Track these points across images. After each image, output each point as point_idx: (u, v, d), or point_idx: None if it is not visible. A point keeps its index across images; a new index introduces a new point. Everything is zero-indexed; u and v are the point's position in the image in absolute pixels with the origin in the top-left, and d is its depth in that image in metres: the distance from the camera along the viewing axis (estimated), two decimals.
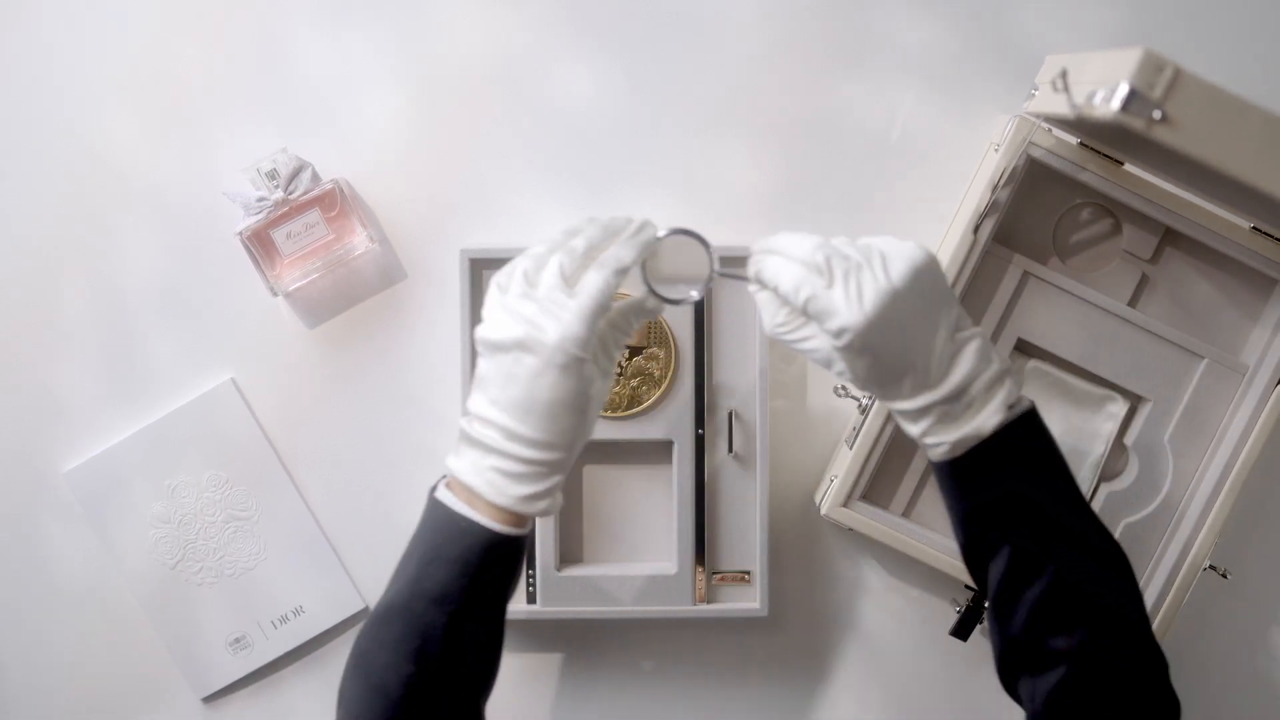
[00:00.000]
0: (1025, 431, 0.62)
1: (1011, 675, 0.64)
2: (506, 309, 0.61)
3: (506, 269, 0.63)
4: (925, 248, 0.61)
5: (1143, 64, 0.57)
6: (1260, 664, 0.86)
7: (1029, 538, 0.61)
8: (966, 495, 0.63)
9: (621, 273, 0.62)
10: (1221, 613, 0.86)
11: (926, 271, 0.61)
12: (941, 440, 0.62)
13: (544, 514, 0.63)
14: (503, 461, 0.61)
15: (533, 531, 0.65)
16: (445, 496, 0.63)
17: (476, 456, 0.62)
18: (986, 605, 0.67)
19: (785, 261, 0.62)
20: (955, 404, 0.61)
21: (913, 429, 0.63)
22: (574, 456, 0.63)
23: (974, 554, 0.64)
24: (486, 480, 0.62)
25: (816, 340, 0.62)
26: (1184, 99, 0.58)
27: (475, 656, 0.63)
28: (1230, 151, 0.59)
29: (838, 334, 0.60)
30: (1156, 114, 0.58)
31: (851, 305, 0.59)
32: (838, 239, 0.62)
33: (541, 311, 0.60)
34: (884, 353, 0.60)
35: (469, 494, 0.62)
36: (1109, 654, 0.60)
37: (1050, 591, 0.61)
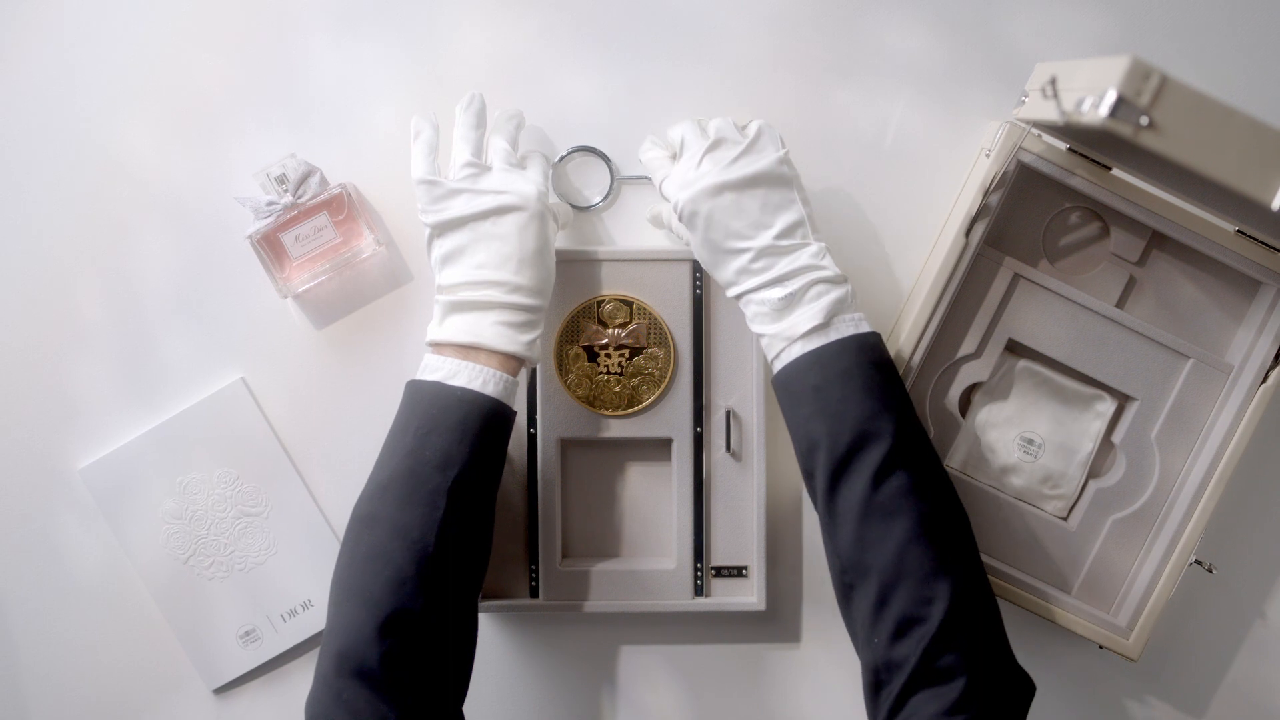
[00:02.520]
0: (858, 353, 0.66)
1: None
2: (464, 188, 0.70)
3: (425, 166, 0.72)
4: (777, 160, 0.70)
5: (1130, 72, 0.57)
6: (1244, 657, 0.86)
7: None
8: (787, 412, 0.68)
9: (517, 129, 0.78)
10: (1207, 606, 0.85)
11: (768, 177, 0.69)
12: (762, 332, 0.69)
13: (536, 359, 0.71)
14: (506, 314, 0.69)
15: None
16: (433, 374, 0.68)
17: (473, 318, 0.68)
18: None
19: (651, 143, 0.77)
20: (781, 301, 0.68)
21: (749, 323, 0.71)
22: (544, 308, 0.72)
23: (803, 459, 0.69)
24: (496, 332, 0.68)
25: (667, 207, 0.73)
26: (1170, 106, 0.58)
27: (474, 532, 0.66)
28: (1215, 156, 0.59)
29: (671, 202, 0.71)
30: (1143, 120, 0.58)
31: (680, 180, 0.70)
32: (718, 121, 0.72)
33: (510, 178, 0.71)
34: (710, 231, 0.69)
35: (466, 353, 0.67)
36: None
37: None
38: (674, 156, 0.75)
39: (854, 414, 0.64)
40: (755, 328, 0.71)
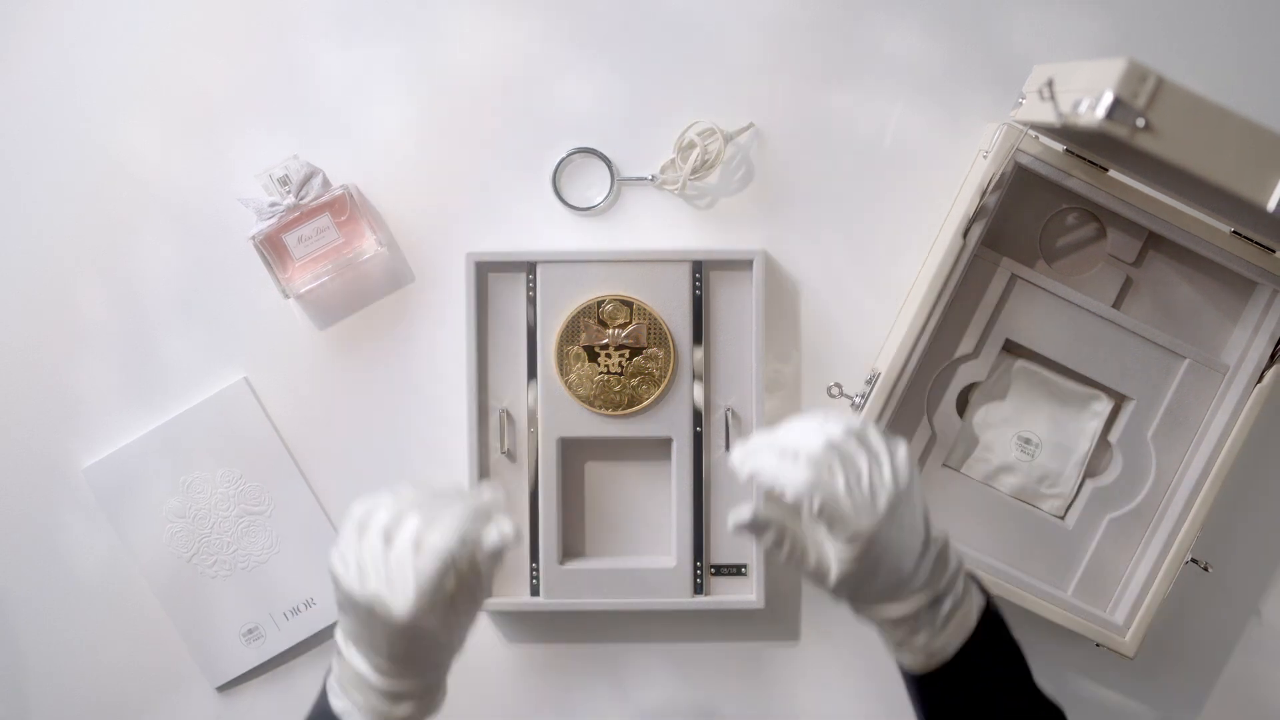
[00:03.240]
0: (990, 635, 0.62)
1: None
2: (360, 561, 0.58)
3: (366, 508, 0.60)
4: (905, 444, 0.60)
5: (1126, 74, 0.57)
6: (1240, 654, 0.86)
7: None
8: (932, 702, 0.62)
9: (458, 544, 0.57)
10: (1203, 604, 0.85)
11: (914, 469, 0.59)
12: (919, 649, 0.60)
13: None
14: (368, 695, 0.60)
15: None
16: (335, 697, 0.61)
17: (346, 673, 0.61)
18: None
19: (787, 463, 0.58)
20: (938, 608, 0.60)
21: (894, 634, 0.60)
22: (444, 671, 0.63)
23: None
24: (356, 703, 0.60)
25: (816, 543, 0.60)
26: (1166, 107, 0.58)
27: None
28: (1211, 158, 0.59)
29: (851, 539, 0.57)
30: (1139, 122, 0.58)
31: (862, 510, 0.57)
32: (833, 426, 0.59)
33: (389, 578, 0.57)
34: (885, 556, 0.58)
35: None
36: None
37: None
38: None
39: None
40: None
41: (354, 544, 0.58)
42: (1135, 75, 0.57)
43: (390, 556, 0.57)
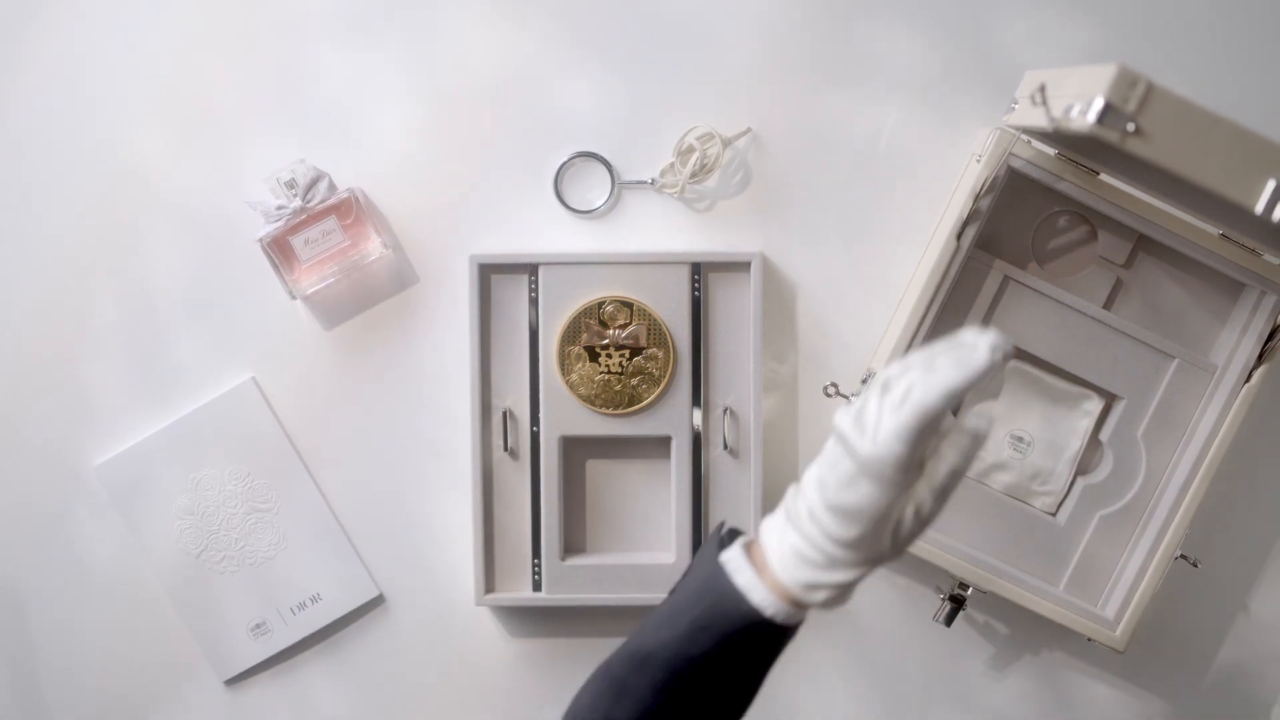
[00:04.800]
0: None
1: None
2: (861, 405, 0.55)
3: (898, 364, 0.55)
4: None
5: (1117, 79, 0.57)
6: (1228, 648, 0.86)
7: None
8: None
9: (947, 397, 0.52)
10: (1192, 599, 0.85)
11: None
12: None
13: (823, 607, 0.57)
14: (800, 541, 0.56)
15: (792, 627, 0.59)
16: (734, 564, 0.57)
17: (785, 527, 0.57)
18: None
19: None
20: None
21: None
22: (869, 566, 0.56)
23: None
24: (781, 554, 0.57)
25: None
26: (1156, 112, 0.58)
27: (719, 715, 0.59)
28: (1200, 162, 0.59)
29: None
30: (1130, 126, 0.58)
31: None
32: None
33: (872, 421, 0.54)
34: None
35: (763, 561, 0.57)
36: None
37: None
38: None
39: None
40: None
41: (864, 392, 0.56)
42: (1126, 81, 0.57)
43: (883, 402, 0.54)
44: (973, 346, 0.53)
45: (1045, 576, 0.82)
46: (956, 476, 0.55)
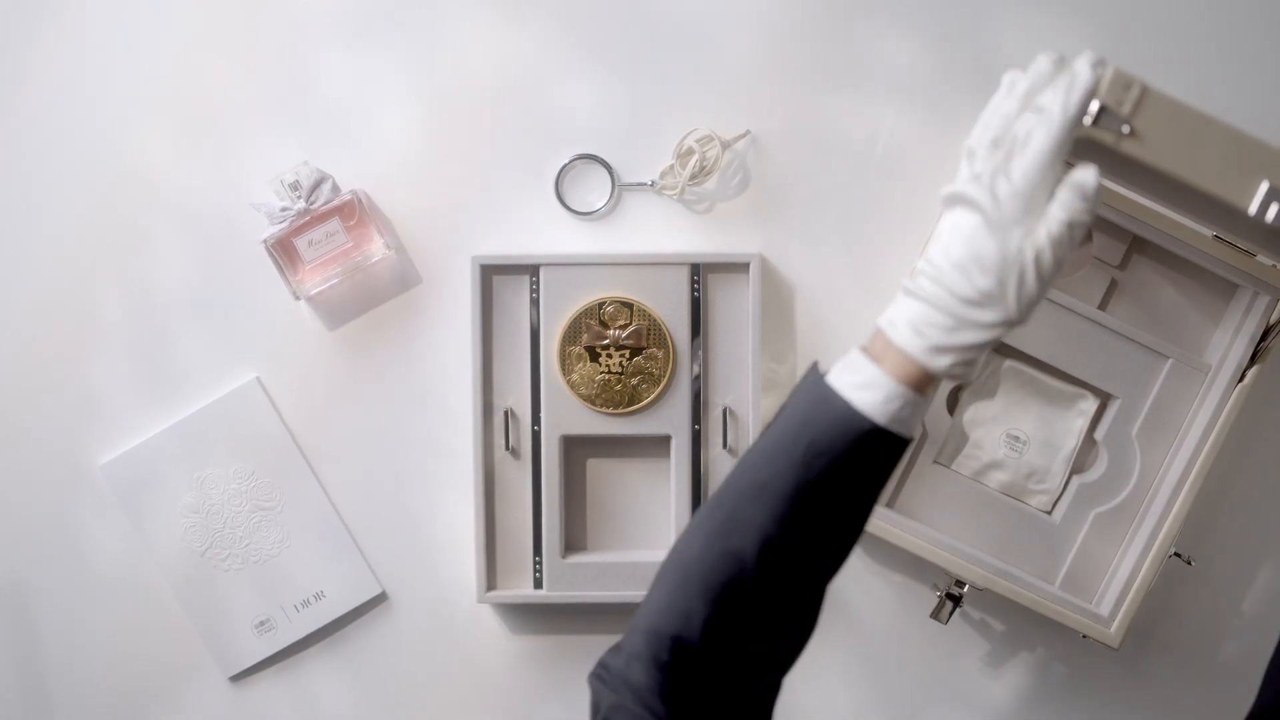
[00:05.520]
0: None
1: None
2: (970, 168, 0.56)
3: (978, 129, 0.57)
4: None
5: (1112, 82, 0.57)
6: (1222, 645, 0.86)
7: None
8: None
9: (1069, 126, 0.55)
10: (1186, 597, 0.86)
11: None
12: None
13: (951, 375, 0.55)
14: (925, 308, 0.55)
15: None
16: (848, 379, 0.55)
17: (905, 302, 0.56)
18: None
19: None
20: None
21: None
22: (996, 329, 0.55)
23: None
24: (904, 323, 0.55)
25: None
26: (1150, 114, 0.58)
27: (839, 538, 0.58)
28: (1194, 164, 0.59)
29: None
30: (1125, 129, 0.58)
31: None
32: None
33: (989, 174, 0.55)
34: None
35: (884, 345, 0.56)
36: None
37: None
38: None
39: None
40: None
41: (966, 159, 0.57)
42: (1120, 83, 0.57)
43: (996, 154, 0.55)
44: (1072, 70, 0.55)
45: (1041, 574, 0.82)
46: (1074, 229, 0.55)
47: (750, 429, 0.82)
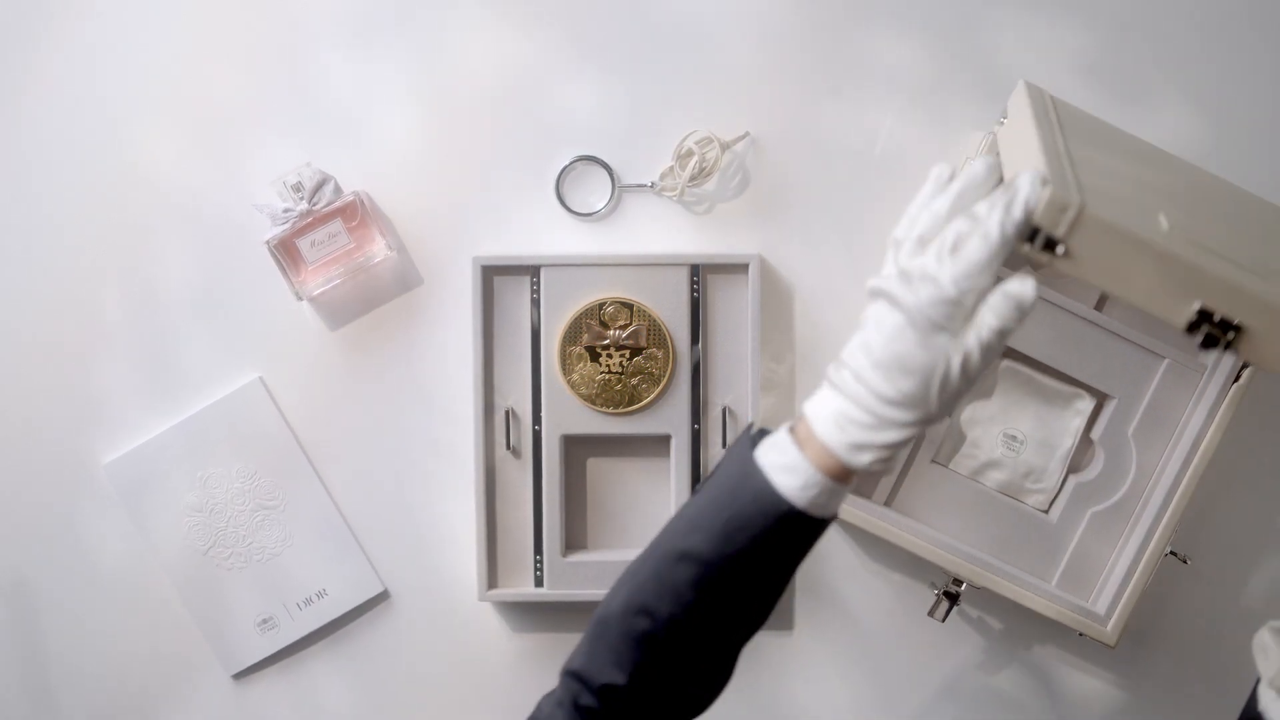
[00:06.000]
0: None
1: None
2: (895, 262, 0.56)
3: (905, 222, 0.56)
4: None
5: (1049, 204, 0.55)
6: (1217, 644, 0.87)
7: None
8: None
9: (1006, 244, 0.54)
10: (1181, 595, 0.86)
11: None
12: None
13: (871, 470, 0.55)
14: (847, 404, 0.55)
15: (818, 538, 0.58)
16: (778, 444, 0.56)
17: (828, 394, 0.56)
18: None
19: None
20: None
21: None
22: (915, 427, 0.55)
23: None
24: (825, 418, 0.55)
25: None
26: (1085, 236, 0.56)
27: (754, 607, 0.59)
28: (1127, 282, 0.58)
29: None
30: (1060, 250, 0.56)
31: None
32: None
33: (919, 271, 0.54)
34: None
35: (808, 433, 0.56)
36: None
37: None
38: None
39: None
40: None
41: (892, 250, 0.56)
42: (1057, 205, 0.55)
43: (927, 254, 0.55)
44: (1014, 187, 0.54)
45: (1038, 572, 0.82)
46: (1004, 335, 0.54)
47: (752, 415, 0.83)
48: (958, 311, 0.54)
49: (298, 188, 0.80)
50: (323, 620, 0.86)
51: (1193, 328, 0.59)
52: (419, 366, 0.86)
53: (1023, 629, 0.86)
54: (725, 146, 0.83)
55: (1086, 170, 0.60)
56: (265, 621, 0.86)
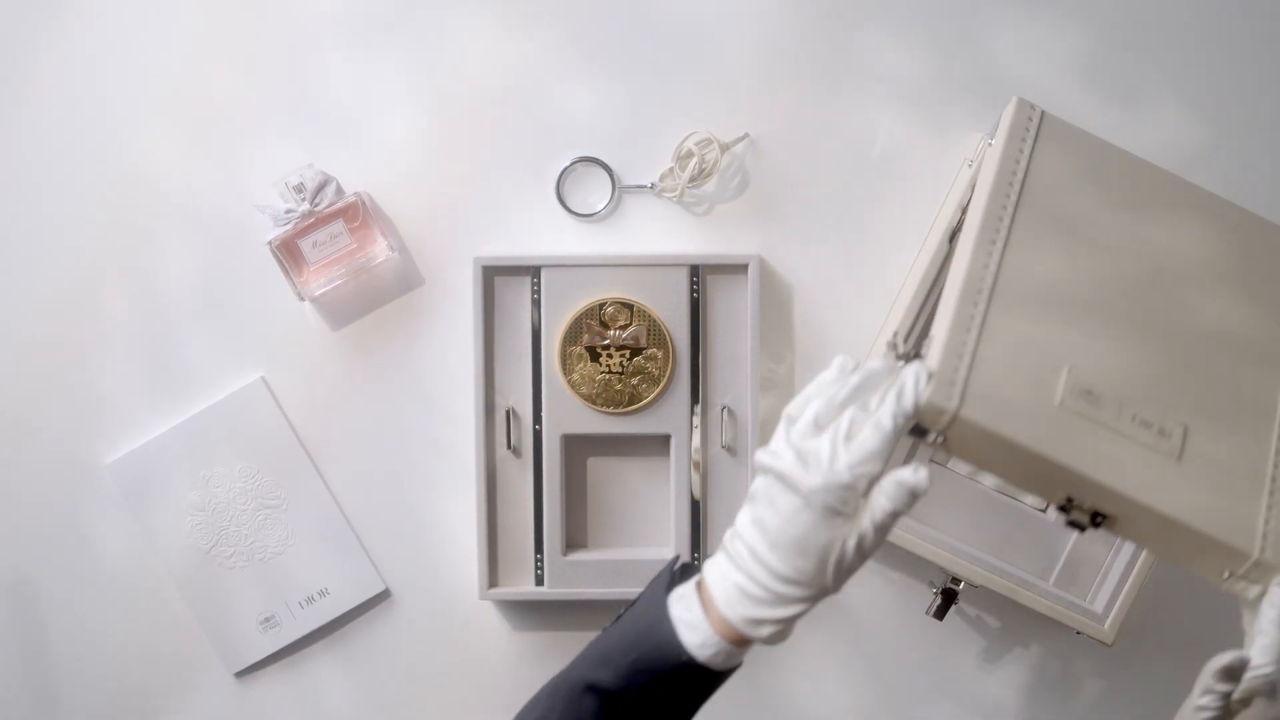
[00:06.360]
0: None
1: None
2: (789, 441, 0.57)
3: (800, 400, 0.59)
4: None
5: (927, 406, 0.58)
6: (1215, 643, 0.86)
7: None
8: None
9: (896, 434, 0.57)
10: (1179, 594, 0.86)
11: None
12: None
13: (768, 642, 0.58)
14: (743, 579, 0.57)
15: (725, 671, 0.60)
16: (684, 600, 0.59)
17: (727, 566, 0.59)
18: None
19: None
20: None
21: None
22: (811, 602, 0.58)
23: None
24: (724, 590, 0.58)
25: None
26: (960, 435, 0.59)
27: None
28: (999, 469, 0.62)
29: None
30: (939, 439, 0.60)
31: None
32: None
33: (814, 454, 0.56)
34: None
35: (710, 598, 0.58)
36: None
37: None
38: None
39: None
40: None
41: (784, 428, 0.58)
42: (933, 410, 0.58)
43: (822, 437, 0.57)
44: (901, 382, 0.57)
45: (1036, 571, 0.83)
46: (897, 516, 0.57)
47: (749, 428, 0.83)
48: (852, 496, 0.56)
49: (299, 189, 0.81)
50: (324, 619, 0.86)
51: (1062, 509, 0.62)
52: (420, 366, 0.86)
53: (1021, 627, 0.86)
54: (725, 148, 0.84)
55: (993, 341, 0.62)
56: (267, 620, 0.86)
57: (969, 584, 0.81)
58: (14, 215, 0.85)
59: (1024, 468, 0.61)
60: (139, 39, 0.84)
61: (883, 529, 0.57)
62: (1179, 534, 0.62)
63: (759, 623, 0.57)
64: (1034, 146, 0.69)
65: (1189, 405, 0.65)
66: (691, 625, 0.58)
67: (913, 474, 0.56)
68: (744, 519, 0.58)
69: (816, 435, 0.58)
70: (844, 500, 0.56)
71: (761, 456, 0.58)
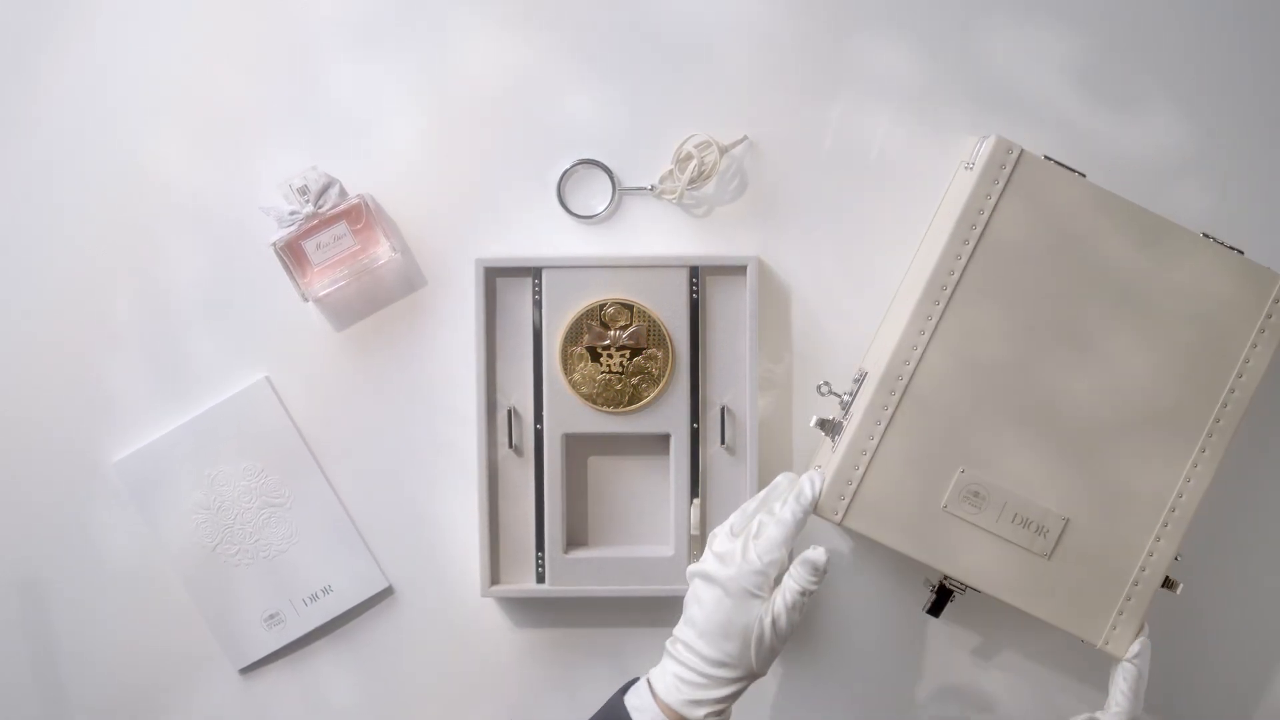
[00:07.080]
0: None
1: None
2: (711, 549, 0.70)
3: (726, 523, 0.72)
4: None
5: (822, 505, 0.73)
6: (1213, 642, 0.87)
7: None
8: None
9: (797, 527, 0.70)
10: (1176, 594, 0.86)
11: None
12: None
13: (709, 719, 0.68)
14: (679, 668, 0.69)
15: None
16: (634, 701, 0.69)
17: (667, 662, 0.70)
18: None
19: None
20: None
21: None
22: (739, 683, 0.69)
23: None
24: (665, 683, 0.69)
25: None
26: (856, 517, 0.74)
27: None
28: (890, 546, 0.75)
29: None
30: (839, 520, 0.74)
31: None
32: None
33: (730, 553, 0.69)
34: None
35: (656, 691, 0.69)
36: None
37: None
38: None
39: None
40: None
41: (712, 541, 0.72)
42: (829, 508, 0.74)
43: (737, 540, 0.70)
44: (799, 487, 0.72)
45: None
46: (806, 594, 0.68)
47: (748, 427, 0.83)
48: (764, 581, 0.68)
49: (303, 191, 0.81)
50: (328, 616, 0.87)
51: (935, 591, 0.78)
52: (423, 366, 0.86)
53: (1016, 626, 0.86)
54: (724, 150, 0.84)
55: (886, 461, 0.74)
56: (272, 617, 0.86)
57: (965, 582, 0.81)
58: (22, 218, 0.86)
59: (904, 553, 0.74)
60: (144, 42, 0.85)
61: (795, 607, 0.68)
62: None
63: (697, 704, 0.67)
64: (1002, 193, 0.74)
65: (1078, 497, 0.73)
66: (641, 709, 0.68)
67: (813, 552, 0.69)
68: (680, 624, 0.70)
69: (733, 541, 0.70)
70: (758, 585, 0.67)
71: (690, 567, 0.70)
